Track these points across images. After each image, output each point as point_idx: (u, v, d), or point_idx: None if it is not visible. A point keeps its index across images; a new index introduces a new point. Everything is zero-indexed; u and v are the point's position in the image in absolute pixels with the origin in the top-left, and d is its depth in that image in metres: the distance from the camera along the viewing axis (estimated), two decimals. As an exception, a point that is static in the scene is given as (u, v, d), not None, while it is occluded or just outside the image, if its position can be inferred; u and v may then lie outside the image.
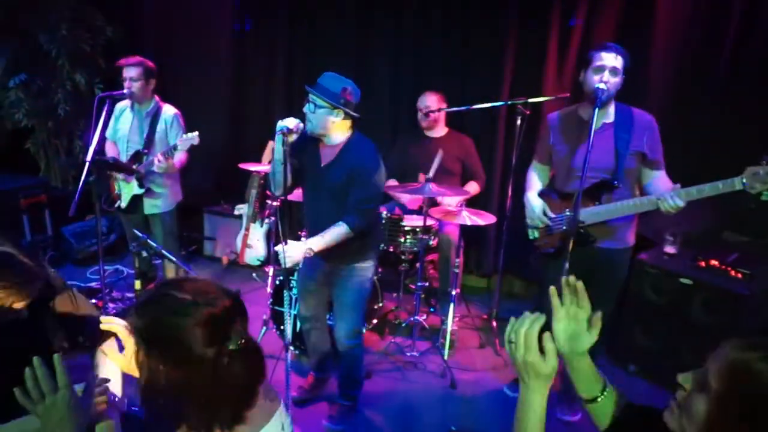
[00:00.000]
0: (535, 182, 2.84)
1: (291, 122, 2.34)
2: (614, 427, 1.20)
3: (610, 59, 2.41)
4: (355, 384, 2.87)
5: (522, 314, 1.13)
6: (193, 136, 3.36)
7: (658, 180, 2.52)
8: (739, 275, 2.96)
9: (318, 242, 2.40)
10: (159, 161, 3.40)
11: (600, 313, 1.22)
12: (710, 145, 3.50)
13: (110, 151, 3.69)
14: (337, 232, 2.41)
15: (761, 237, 3.39)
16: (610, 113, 2.55)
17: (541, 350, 1.08)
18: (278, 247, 2.35)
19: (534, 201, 2.74)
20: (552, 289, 1.23)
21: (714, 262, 3.06)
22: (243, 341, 1.09)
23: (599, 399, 1.21)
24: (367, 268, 2.63)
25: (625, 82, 2.47)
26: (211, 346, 1.04)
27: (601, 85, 2.39)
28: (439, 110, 3.68)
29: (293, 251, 2.35)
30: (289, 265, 2.35)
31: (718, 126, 3.47)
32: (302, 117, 2.43)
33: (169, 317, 1.05)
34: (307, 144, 2.54)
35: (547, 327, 1.13)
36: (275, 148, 2.39)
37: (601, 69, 2.42)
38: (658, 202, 2.33)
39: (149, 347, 1.06)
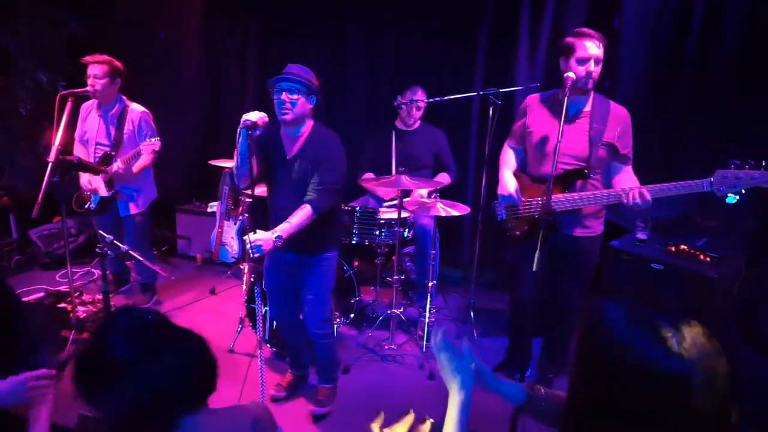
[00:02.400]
0: (510, 160, 2.84)
1: (255, 116, 2.32)
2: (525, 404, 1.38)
3: (594, 49, 2.43)
4: (333, 367, 2.90)
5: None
6: (154, 142, 3.36)
7: (623, 175, 2.56)
8: (708, 259, 3.01)
9: (286, 228, 2.39)
10: (119, 167, 3.36)
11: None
12: (678, 138, 3.57)
13: (79, 153, 3.60)
14: (302, 214, 2.41)
15: (729, 221, 3.46)
16: (587, 101, 2.57)
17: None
18: (246, 237, 2.33)
19: (509, 179, 2.74)
20: None
21: (684, 247, 3.11)
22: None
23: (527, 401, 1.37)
24: (331, 257, 2.67)
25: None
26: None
27: (587, 77, 2.44)
28: (411, 101, 3.67)
29: (262, 240, 2.33)
30: (257, 255, 2.33)
31: (686, 120, 3.54)
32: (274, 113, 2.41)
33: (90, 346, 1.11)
34: (270, 136, 2.53)
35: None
36: (239, 141, 2.36)
37: (585, 60, 2.43)
38: (621, 196, 2.36)
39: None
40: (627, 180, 2.53)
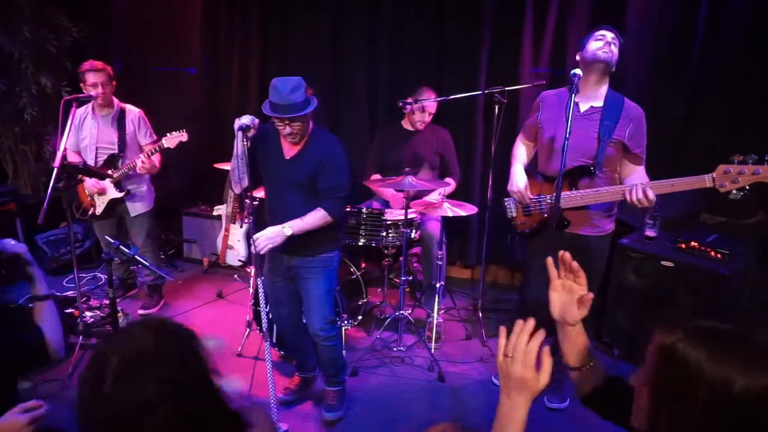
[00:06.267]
0: (521, 155, 2.81)
1: (248, 119, 2.37)
2: (590, 395, 1.28)
3: (609, 35, 2.43)
4: (340, 369, 2.86)
5: (515, 324, 1.10)
6: (181, 134, 3.40)
7: (636, 175, 2.52)
8: (719, 256, 2.99)
9: (297, 225, 2.42)
10: (143, 162, 3.38)
11: (590, 294, 1.25)
12: (683, 137, 3.56)
13: (74, 160, 3.59)
14: (316, 216, 2.44)
15: (738, 217, 3.43)
16: (600, 97, 2.52)
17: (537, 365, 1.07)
18: (253, 238, 2.38)
19: (520, 174, 2.70)
20: (549, 260, 1.29)
21: (694, 244, 3.08)
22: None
23: (585, 368, 1.27)
24: (333, 257, 2.66)
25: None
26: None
27: (605, 49, 2.40)
28: (416, 101, 3.64)
29: (270, 234, 2.39)
30: (265, 250, 2.38)
31: (690, 118, 3.54)
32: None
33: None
34: (268, 138, 2.52)
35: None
36: (236, 144, 2.40)
37: (601, 38, 2.43)
38: (625, 192, 2.32)
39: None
40: (637, 180, 2.47)
